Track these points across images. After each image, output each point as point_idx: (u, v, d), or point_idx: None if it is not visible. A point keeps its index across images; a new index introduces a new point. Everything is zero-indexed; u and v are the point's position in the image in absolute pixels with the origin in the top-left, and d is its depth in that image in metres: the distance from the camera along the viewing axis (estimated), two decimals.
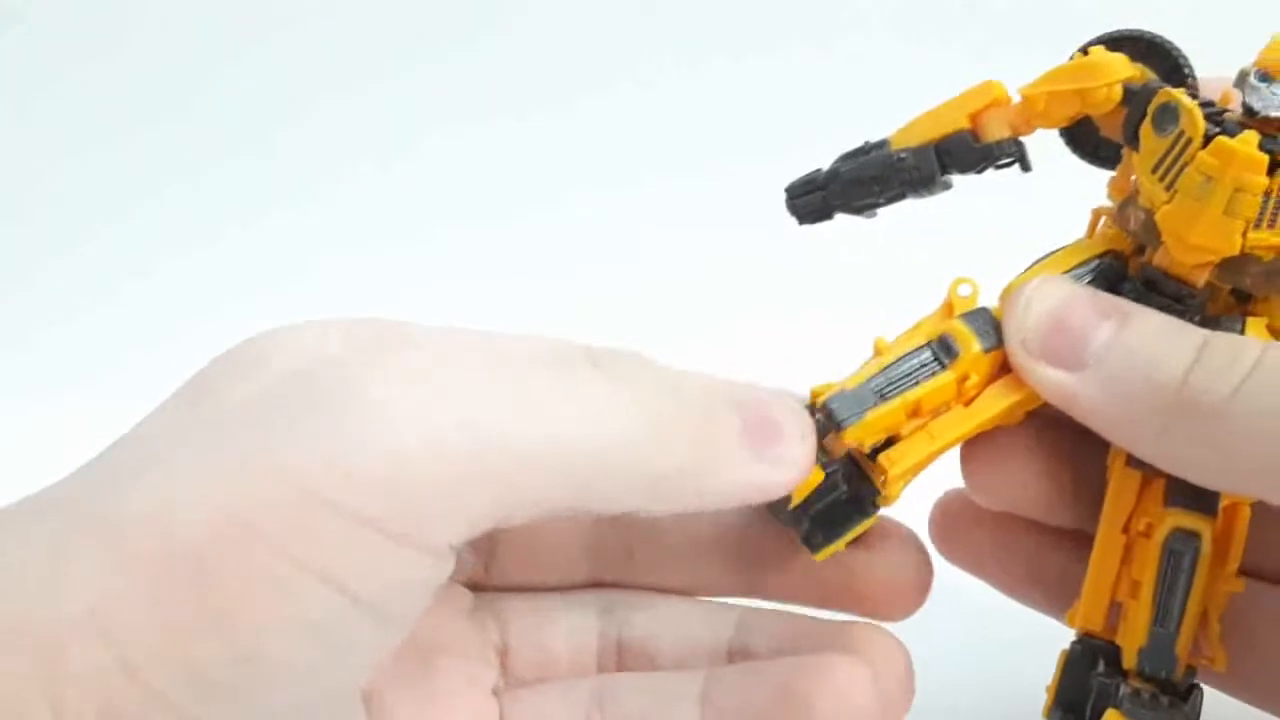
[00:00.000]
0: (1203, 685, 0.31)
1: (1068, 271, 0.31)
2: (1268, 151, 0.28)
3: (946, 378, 0.30)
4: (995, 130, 0.31)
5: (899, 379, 0.30)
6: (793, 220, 0.33)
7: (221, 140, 0.67)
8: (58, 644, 0.22)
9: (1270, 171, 0.28)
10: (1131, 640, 0.31)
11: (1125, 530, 0.31)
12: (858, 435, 0.29)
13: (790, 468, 0.29)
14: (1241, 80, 0.29)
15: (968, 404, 0.30)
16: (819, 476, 0.29)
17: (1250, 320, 0.30)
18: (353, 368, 0.25)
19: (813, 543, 0.30)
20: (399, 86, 0.68)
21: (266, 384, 0.25)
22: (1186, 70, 0.30)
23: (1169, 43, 0.31)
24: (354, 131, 0.68)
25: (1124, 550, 0.31)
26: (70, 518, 0.23)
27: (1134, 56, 0.30)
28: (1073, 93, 0.30)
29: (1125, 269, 0.31)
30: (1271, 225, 0.28)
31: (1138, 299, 0.30)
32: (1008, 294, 0.31)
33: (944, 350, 0.30)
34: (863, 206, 0.32)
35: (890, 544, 0.32)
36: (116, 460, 0.25)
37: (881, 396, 0.29)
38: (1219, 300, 0.30)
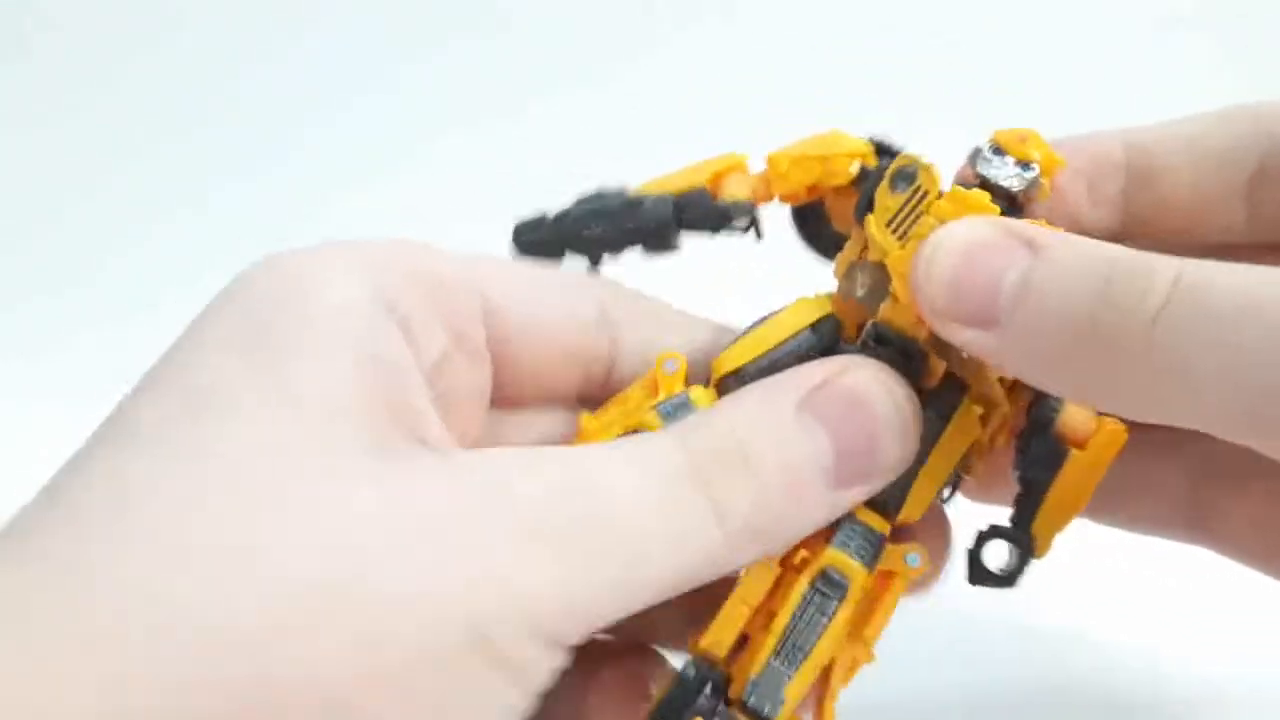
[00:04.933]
0: None
1: (778, 345, 0.30)
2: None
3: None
4: (734, 191, 0.32)
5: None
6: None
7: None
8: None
9: None
10: (746, 670, 0.28)
11: (782, 563, 0.29)
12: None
13: (884, 478, 0.28)
14: (975, 156, 0.30)
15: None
16: None
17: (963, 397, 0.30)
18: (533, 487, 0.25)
19: None
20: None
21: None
22: None
23: (899, 148, 0.31)
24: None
25: (774, 584, 0.29)
26: (307, 588, 0.22)
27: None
28: (815, 158, 0.31)
29: (839, 335, 0.30)
30: None
31: (862, 352, 0.29)
32: (717, 370, 0.30)
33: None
34: (593, 247, 0.32)
35: None
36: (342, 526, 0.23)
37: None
38: (933, 365, 0.30)
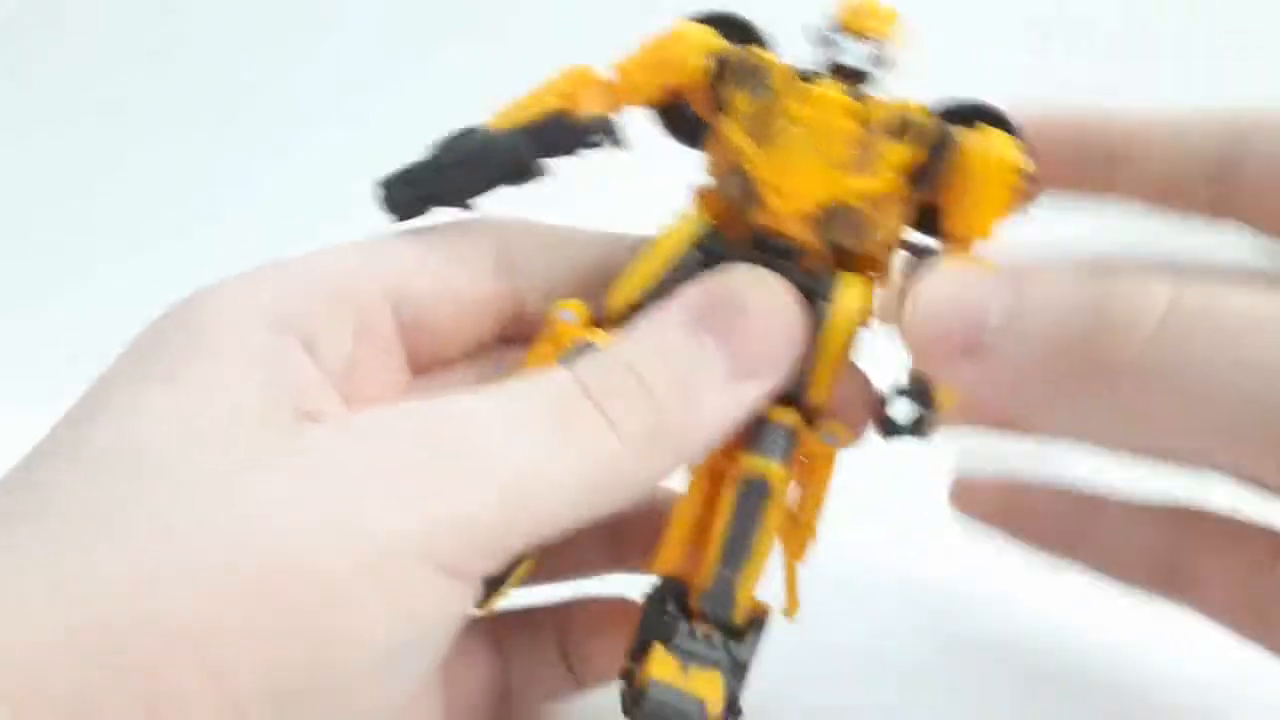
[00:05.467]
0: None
1: (666, 270, 0.30)
2: (856, 99, 0.29)
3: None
4: (589, 108, 0.31)
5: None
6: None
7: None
8: (153, 667, 0.22)
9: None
10: (701, 583, 0.30)
11: (710, 479, 0.31)
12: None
13: (776, 370, 0.29)
14: (824, 40, 0.30)
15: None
16: None
17: (846, 276, 0.30)
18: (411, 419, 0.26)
19: None
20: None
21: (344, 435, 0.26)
22: (769, 48, 0.31)
23: (752, 23, 0.31)
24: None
25: (707, 499, 0.31)
26: (147, 529, 0.24)
27: (721, 35, 0.31)
28: (664, 61, 0.30)
29: (722, 246, 0.30)
30: (861, 171, 0.29)
31: (745, 259, 0.30)
32: (612, 308, 0.30)
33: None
34: (459, 194, 0.31)
35: None
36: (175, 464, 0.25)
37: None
38: (815, 256, 0.30)
